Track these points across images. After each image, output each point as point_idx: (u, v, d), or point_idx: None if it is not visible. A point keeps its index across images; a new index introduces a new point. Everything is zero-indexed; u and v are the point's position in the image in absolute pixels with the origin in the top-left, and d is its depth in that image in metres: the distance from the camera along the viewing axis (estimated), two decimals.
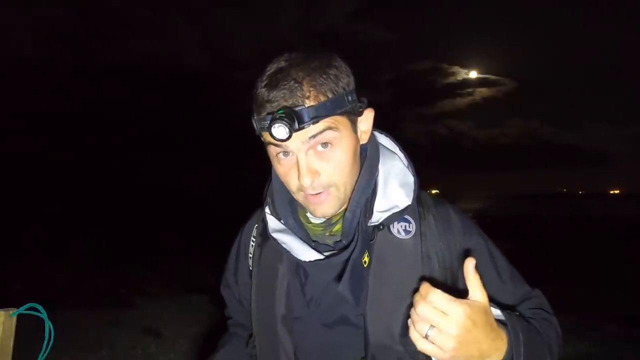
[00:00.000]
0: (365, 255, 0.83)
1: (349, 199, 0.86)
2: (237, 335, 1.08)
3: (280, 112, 0.73)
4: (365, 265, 0.83)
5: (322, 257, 0.84)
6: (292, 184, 0.82)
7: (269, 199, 0.94)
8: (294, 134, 0.74)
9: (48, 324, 0.98)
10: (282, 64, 0.78)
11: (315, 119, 0.74)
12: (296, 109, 0.73)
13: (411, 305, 0.80)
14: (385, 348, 0.81)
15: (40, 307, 0.98)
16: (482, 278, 0.87)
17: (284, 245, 0.87)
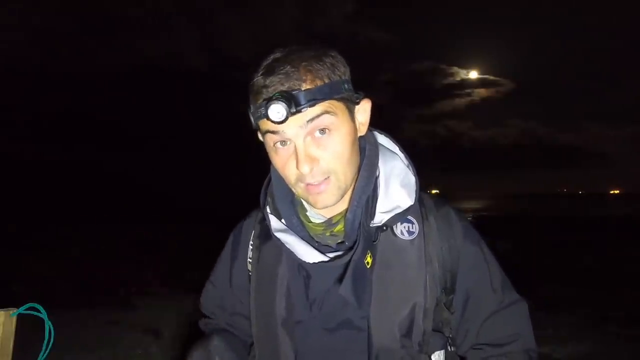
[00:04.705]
0: (368, 256, 0.81)
1: (350, 198, 0.84)
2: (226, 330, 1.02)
3: (276, 94, 0.73)
4: (368, 267, 0.81)
5: (326, 258, 0.82)
6: (291, 175, 0.80)
7: (269, 199, 0.92)
8: (291, 119, 0.73)
9: (48, 324, 0.98)
10: (278, 54, 0.78)
11: (312, 102, 0.74)
12: (293, 92, 0.73)
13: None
14: (389, 351, 0.80)
15: (40, 307, 0.98)
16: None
17: (287, 246, 0.85)
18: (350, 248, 0.82)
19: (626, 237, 13.04)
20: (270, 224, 0.89)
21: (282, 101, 0.71)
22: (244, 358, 0.95)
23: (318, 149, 0.78)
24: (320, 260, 0.81)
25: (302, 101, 0.73)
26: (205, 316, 1.09)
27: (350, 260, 0.80)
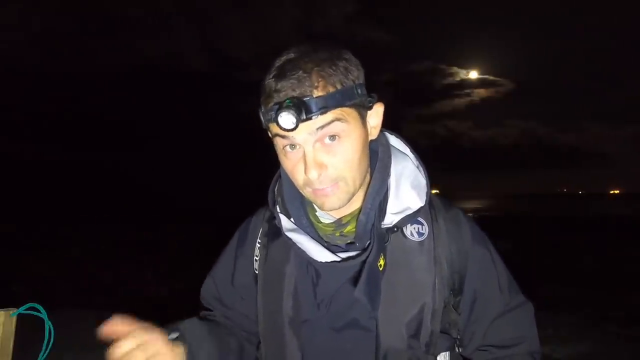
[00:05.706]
0: (381, 258, 0.81)
1: (363, 199, 0.84)
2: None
3: (287, 101, 0.72)
4: (380, 269, 0.81)
5: (338, 259, 0.81)
6: (299, 178, 0.80)
7: (278, 198, 0.91)
8: (301, 125, 0.72)
9: (48, 324, 0.98)
10: (291, 55, 0.77)
11: (324, 110, 0.72)
12: (304, 98, 0.72)
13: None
14: (396, 351, 0.80)
15: (40, 307, 0.98)
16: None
17: (298, 245, 0.84)
18: (364, 250, 0.82)
19: (626, 237, 13.05)
20: (280, 224, 0.88)
21: (292, 108, 0.70)
22: (227, 349, 0.93)
23: (327, 155, 0.77)
24: (332, 260, 0.81)
25: (313, 108, 0.72)
26: (204, 308, 1.08)
27: (365, 262, 0.79)
